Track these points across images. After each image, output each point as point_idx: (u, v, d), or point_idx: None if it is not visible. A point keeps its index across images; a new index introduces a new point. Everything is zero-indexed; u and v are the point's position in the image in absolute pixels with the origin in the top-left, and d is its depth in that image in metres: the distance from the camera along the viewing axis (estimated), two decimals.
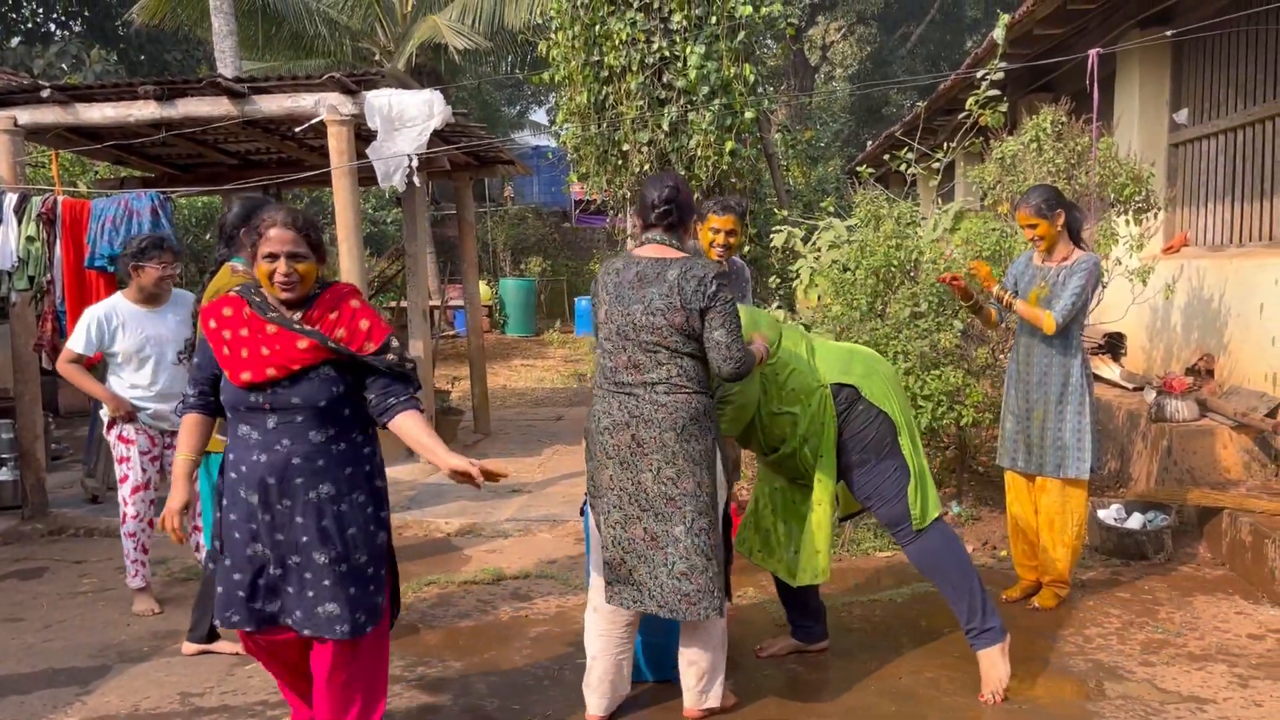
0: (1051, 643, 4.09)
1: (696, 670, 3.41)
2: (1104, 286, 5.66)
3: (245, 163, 8.19)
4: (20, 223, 5.47)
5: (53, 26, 24.12)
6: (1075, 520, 4.39)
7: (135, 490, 4.61)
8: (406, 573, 5.18)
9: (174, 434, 4.58)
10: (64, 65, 21.02)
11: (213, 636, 4.14)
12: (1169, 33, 5.46)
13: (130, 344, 4.54)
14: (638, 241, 3.38)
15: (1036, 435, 4.37)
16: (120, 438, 4.60)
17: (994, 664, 3.58)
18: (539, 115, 31.08)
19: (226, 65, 11.34)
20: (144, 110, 6.00)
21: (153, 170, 8.16)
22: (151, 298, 4.61)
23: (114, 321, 4.53)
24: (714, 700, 3.44)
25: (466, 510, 6.26)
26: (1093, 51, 5.07)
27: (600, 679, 3.44)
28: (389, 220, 15.97)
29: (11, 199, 5.52)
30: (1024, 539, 4.56)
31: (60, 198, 5.68)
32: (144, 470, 4.63)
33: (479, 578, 5.06)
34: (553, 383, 12.51)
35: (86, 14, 23.67)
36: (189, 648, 4.16)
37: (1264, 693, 3.58)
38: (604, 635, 3.41)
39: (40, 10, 23.89)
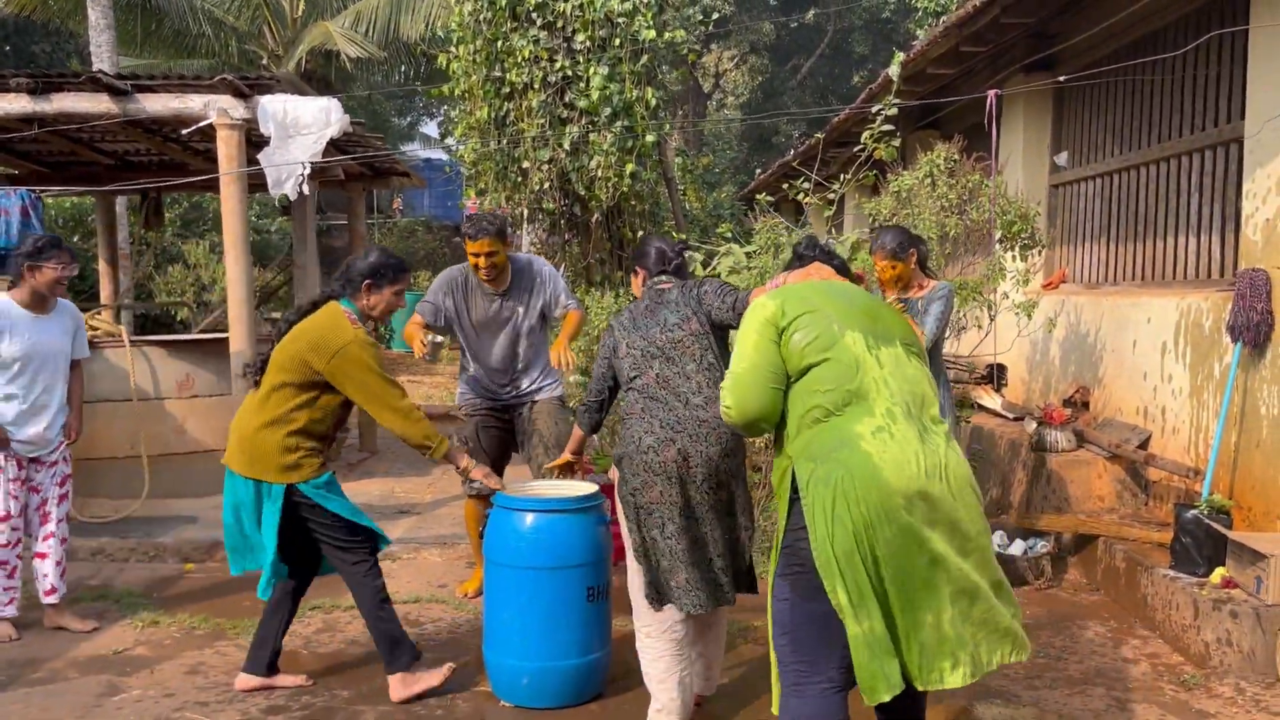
0: None
1: (705, 660, 3.63)
2: (992, 319, 5.86)
3: (123, 163, 7.80)
4: None
5: None
6: None
7: (2, 519, 4.37)
8: None
9: (37, 461, 4.47)
10: None
11: (273, 669, 3.86)
12: (1062, 78, 5.69)
13: (15, 350, 4.29)
14: (647, 288, 3.61)
15: None
16: None
17: None
18: (430, 128, 30.75)
19: (103, 61, 10.82)
20: (14, 104, 5.65)
21: (18, 167, 7.69)
22: (40, 301, 4.35)
23: (2, 323, 4.27)
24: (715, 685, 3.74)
25: None
26: (992, 91, 5.26)
27: (670, 701, 3.39)
28: (273, 229, 15.48)
29: None
30: None
31: None
32: (14, 498, 4.41)
33: None
34: (441, 400, 12.26)
35: None
36: (244, 681, 3.83)
37: (1139, 715, 3.72)
38: (665, 656, 3.39)
39: None
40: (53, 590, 4.51)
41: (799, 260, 3.11)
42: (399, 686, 3.74)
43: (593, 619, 3.71)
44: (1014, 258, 5.88)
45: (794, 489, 2.61)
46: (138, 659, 4.21)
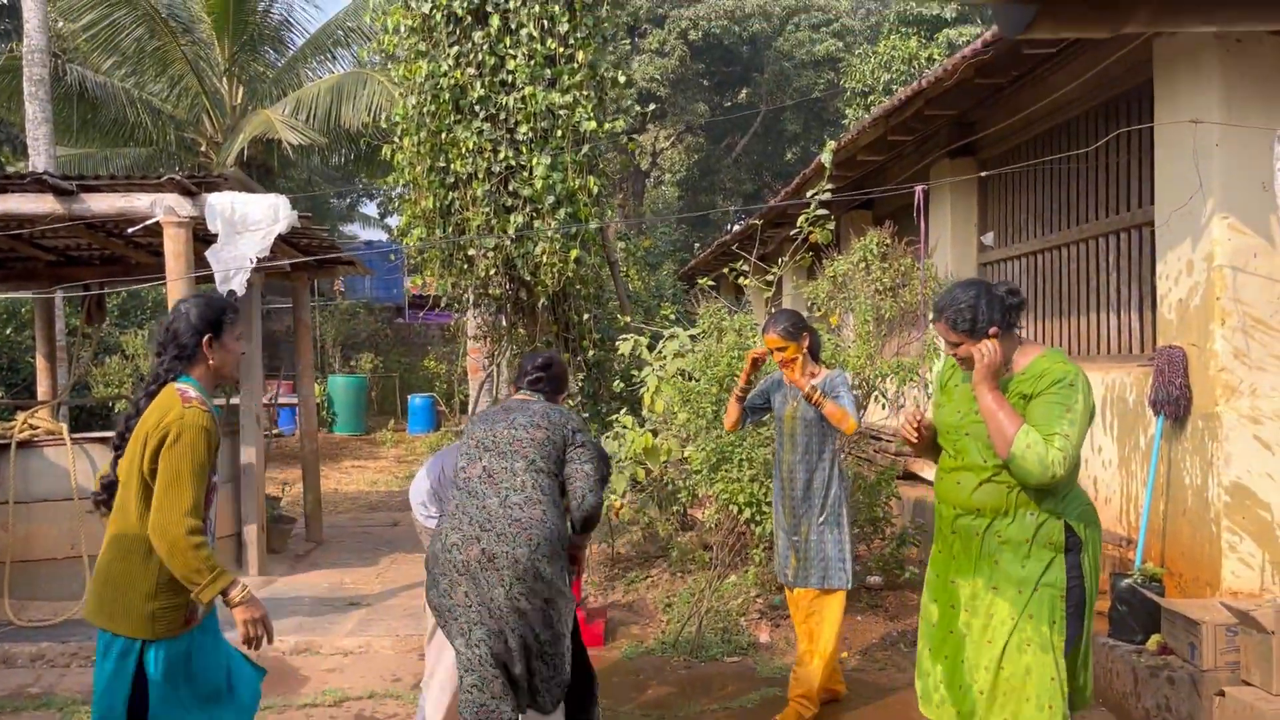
0: None
1: None
2: (929, 396, 6.05)
3: (65, 259, 7.76)
4: None
5: None
6: (834, 633, 4.45)
7: None
8: None
9: None
10: None
11: None
12: (982, 174, 5.98)
13: None
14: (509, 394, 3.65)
15: (803, 550, 4.47)
16: None
17: None
18: (369, 208, 30.90)
19: (40, 154, 10.80)
20: None
21: None
22: None
23: None
24: None
25: (302, 626, 5.99)
26: (919, 187, 5.52)
27: None
28: None
29: None
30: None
31: None
32: None
33: (320, 700, 4.84)
34: (387, 485, 12.18)
35: None
36: None
37: None
38: None
39: None
40: None
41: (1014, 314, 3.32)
42: None
43: None
44: None
45: (1068, 543, 3.06)
46: None
